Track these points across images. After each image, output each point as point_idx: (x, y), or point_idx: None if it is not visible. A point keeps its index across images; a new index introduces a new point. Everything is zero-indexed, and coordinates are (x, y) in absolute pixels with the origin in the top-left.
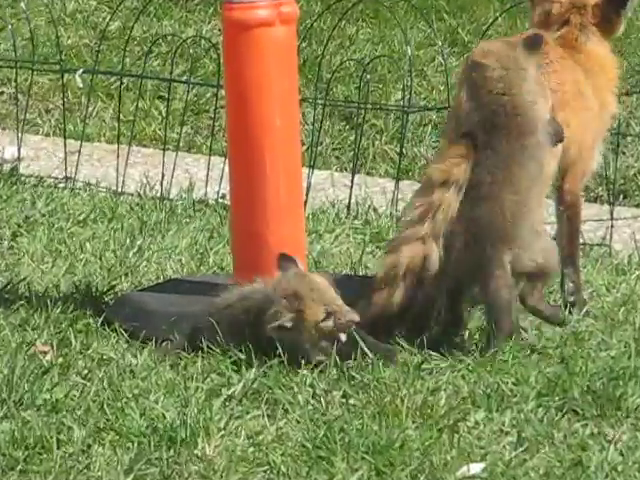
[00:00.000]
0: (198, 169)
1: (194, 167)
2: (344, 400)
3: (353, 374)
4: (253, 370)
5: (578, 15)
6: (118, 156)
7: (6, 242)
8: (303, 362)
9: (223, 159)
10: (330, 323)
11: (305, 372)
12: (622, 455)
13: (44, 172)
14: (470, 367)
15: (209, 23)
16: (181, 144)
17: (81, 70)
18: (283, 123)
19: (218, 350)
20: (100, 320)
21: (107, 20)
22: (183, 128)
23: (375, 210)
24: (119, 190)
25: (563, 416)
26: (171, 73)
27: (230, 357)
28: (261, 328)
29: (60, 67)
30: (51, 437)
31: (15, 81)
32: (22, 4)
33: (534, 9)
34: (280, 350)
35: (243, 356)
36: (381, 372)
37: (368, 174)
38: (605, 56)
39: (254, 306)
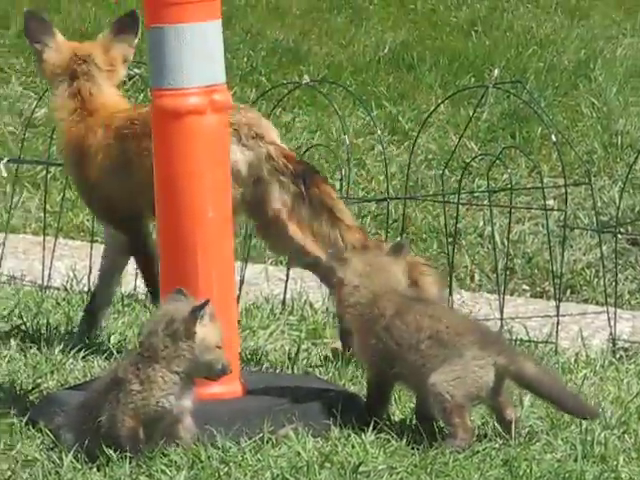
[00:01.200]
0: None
1: None
2: None
3: (288, 478)
4: (184, 472)
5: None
6: (44, 248)
7: None
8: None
9: None
10: None
11: (238, 475)
12: None
13: None
14: (409, 470)
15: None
16: None
17: (6, 159)
18: (216, 214)
19: (148, 451)
20: (24, 419)
21: (33, 107)
22: None
23: (311, 305)
24: (45, 284)
25: None
26: None
27: (162, 457)
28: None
29: None
30: None
31: None
32: None
33: (41, 62)
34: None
35: (176, 457)
36: (315, 474)
37: None
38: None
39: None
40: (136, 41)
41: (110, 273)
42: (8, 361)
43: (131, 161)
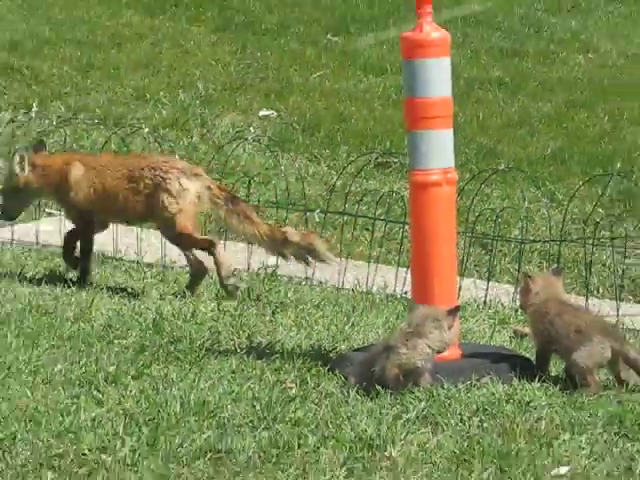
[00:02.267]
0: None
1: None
2: (480, 424)
3: (486, 407)
4: (422, 403)
5: None
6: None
7: (268, 317)
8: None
9: (405, 269)
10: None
11: (455, 405)
12: None
13: None
14: (560, 405)
15: (399, 182)
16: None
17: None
18: (448, 252)
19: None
20: (327, 368)
21: None
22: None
23: (502, 304)
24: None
25: (620, 438)
26: (374, 213)
27: (410, 394)
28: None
29: None
30: (293, 441)
31: None
32: None
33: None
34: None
35: (419, 394)
36: (503, 406)
37: (497, 281)
38: None
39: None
40: None
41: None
42: (317, 333)
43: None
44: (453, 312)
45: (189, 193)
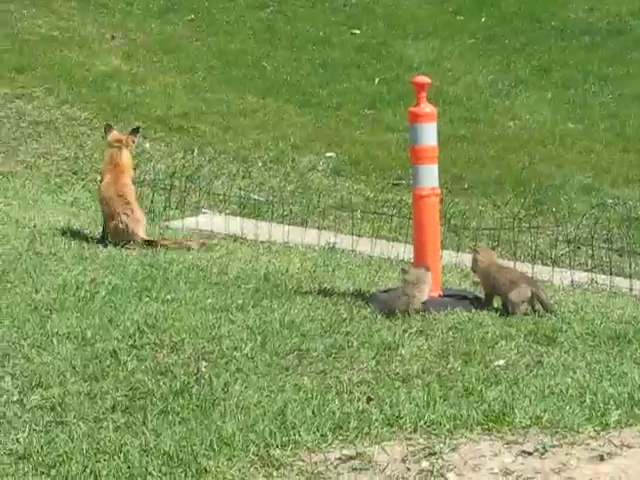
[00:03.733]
0: None
1: None
2: (453, 335)
3: (456, 325)
4: (419, 322)
5: None
6: None
7: (329, 272)
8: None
9: (409, 245)
10: None
11: (438, 324)
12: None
13: None
14: (499, 324)
15: (407, 194)
16: None
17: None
18: (434, 235)
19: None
20: (364, 302)
21: None
22: None
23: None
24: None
25: (534, 343)
26: (393, 212)
27: (414, 316)
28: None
29: None
30: (344, 345)
31: None
32: None
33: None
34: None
35: (417, 317)
36: (466, 325)
37: (463, 252)
38: None
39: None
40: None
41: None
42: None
43: None
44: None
45: None
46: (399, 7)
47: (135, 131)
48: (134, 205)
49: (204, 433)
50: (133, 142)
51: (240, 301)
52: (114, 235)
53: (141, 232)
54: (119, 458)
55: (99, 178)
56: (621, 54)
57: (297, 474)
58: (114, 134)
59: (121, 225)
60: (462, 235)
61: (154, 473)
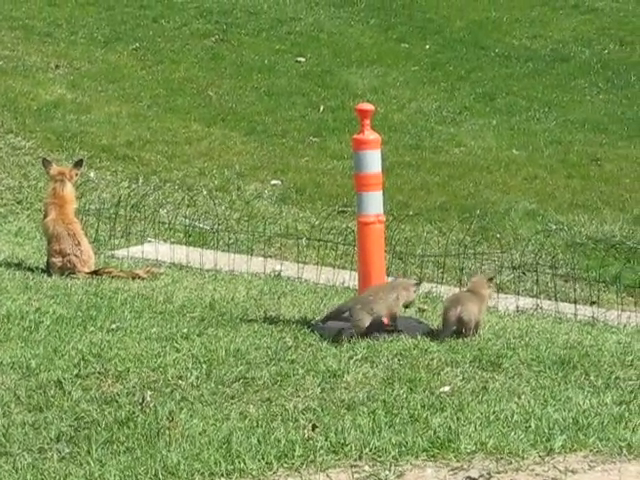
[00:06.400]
0: None
1: None
2: (398, 362)
3: (402, 352)
4: (365, 349)
5: None
6: None
7: (275, 300)
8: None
9: (354, 272)
10: None
11: (384, 350)
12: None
13: None
14: (444, 350)
15: (351, 222)
16: None
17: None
18: (379, 262)
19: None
20: (309, 329)
21: None
22: None
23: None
24: None
25: (479, 370)
26: (338, 239)
27: (359, 342)
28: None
29: None
30: (290, 372)
31: None
32: None
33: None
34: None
35: (362, 343)
36: (411, 351)
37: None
38: None
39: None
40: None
41: None
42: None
43: None
44: (419, 284)
45: None
46: (344, 35)
47: (78, 164)
48: (83, 244)
49: (149, 462)
50: (77, 175)
51: (185, 330)
52: (58, 270)
53: (87, 270)
54: None
55: (43, 211)
56: (565, 81)
57: None
58: (55, 168)
59: (69, 265)
60: (408, 262)
61: None
